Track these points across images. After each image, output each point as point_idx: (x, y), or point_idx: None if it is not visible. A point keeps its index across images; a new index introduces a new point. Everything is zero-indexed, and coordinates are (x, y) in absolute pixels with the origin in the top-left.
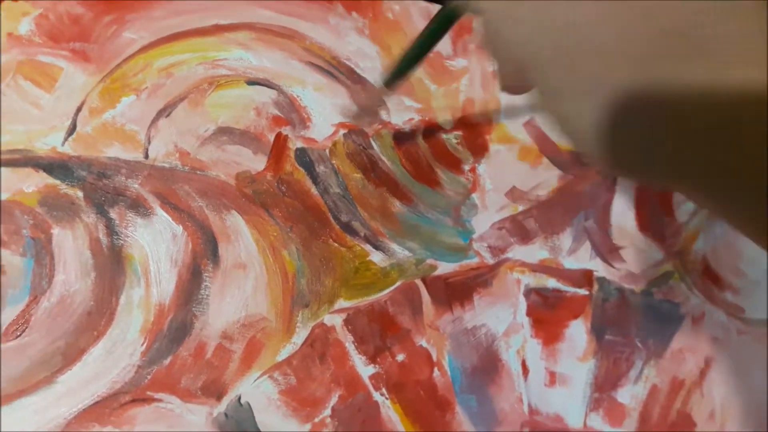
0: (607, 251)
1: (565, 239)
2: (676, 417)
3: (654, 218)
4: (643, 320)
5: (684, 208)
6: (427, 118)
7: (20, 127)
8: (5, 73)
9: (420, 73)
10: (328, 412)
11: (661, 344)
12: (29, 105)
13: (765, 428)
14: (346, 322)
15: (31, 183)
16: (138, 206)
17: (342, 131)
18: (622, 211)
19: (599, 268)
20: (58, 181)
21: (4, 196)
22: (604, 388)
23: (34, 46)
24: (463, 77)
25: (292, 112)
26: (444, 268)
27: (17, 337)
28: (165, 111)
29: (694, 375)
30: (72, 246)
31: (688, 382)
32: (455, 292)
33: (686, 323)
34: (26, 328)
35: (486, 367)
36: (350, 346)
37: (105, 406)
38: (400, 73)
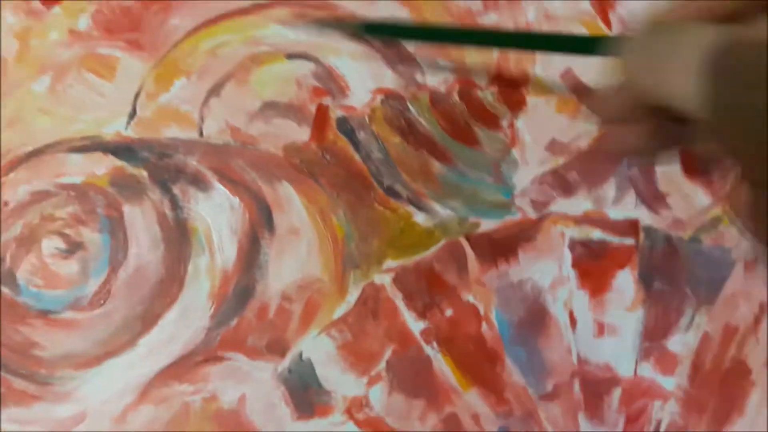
0: (653, 199)
1: (609, 189)
2: (730, 364)
3: (700, 162)
4: (692, 267)
5: None
6: (462, 77)
7: (88, 116)
8: (71, 67)
9: None
10: (383, 365)
11: (712, 291)
12: (95, 95)
13: None
14: (395, 280)
15: (101, 166)
16: (198, 181)
17: (379, 97)
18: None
19: (645, 216)
20: (124, 163)
21: (78, 180)
22: (654, 337)
23: (93, 39)
24: None
25: (330, 82)
26: (487, 225)
27: (102, 305)
28: (214, 90)
29: (749, 321)
30: (142, 221)
31: (743, 329)
32: (499, 247)
33: (738, 268)
34: (109, 296)
35: (533, 319)
36: (400, 303)
37: (181, 366)
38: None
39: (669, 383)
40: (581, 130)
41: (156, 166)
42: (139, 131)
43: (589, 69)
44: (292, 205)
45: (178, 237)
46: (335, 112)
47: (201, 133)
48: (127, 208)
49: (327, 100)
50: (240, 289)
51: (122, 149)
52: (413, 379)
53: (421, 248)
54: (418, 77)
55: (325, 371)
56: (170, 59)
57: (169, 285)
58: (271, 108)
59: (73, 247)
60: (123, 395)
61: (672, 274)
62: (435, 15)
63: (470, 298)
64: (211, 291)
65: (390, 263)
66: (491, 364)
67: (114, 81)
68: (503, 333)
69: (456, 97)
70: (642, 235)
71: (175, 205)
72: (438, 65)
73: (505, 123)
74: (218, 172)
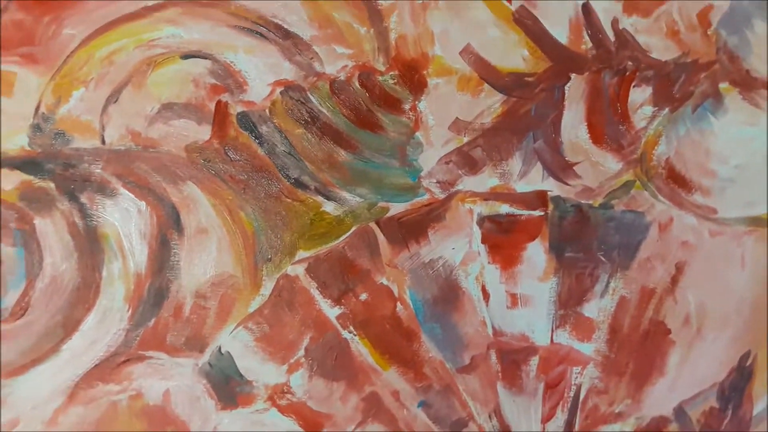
0: (560, 169)
1: (515, 164)
2: (648, 325)
3: (609, 128)
4: (605, 234)
5: (641, 112)
6: (361, 63)
7: None
8: None
9: (347, 16)
10: (302, 352)
11: (628, 255)
12: None
13: (744, 326)
14: (308, 270)
15: (8, 181)
16: (104, 189)
17: (279, 90)
18: (573, 126)
19: (553, 187)
20: (31, 177)
21: None
22: (568, 304)
23: None
24: (392, 15)
25: (228, 78)
26: (396, 208)
27: (22, 316)
28: (113, 97)
29: (666, 282)
30: (53, 232)
31: (660, 290)
32: (409, 229)
33: (653, 231)
34: (28, 307)
35: (447, 296)
36: (315, 292)
37: (104, 367)
38: None
39: (587, 348)
40: (484, 107)
41: (62, 177)
42: (42, 144)
43: (489, 44)
44: (199, 205)
45: (90, 244)
46: (235, 108)
47: (103, 141)
48: (38, 221)
49: (225, 97)
50: (154, 290)
51: (28, 163)
52: (333, 363)
53: (333, 237)
54: (317, 66)
55: (245, 362)
56: (67, 70)
57: (85, 291)
58: (169, 109)
59: None
60: (52, 399)
61: (584, 242)
62: (335, 6)
63: (384, 281)
64: (126, 294)
65: (302, 254)
66: (408, 342)
67: (13, 96)
68: (418, 311)
69: (356, 84)
70: (551, 206)
71: (84, 213)
72: (335, 53)
73: (407, 106)
74: (123, 178)
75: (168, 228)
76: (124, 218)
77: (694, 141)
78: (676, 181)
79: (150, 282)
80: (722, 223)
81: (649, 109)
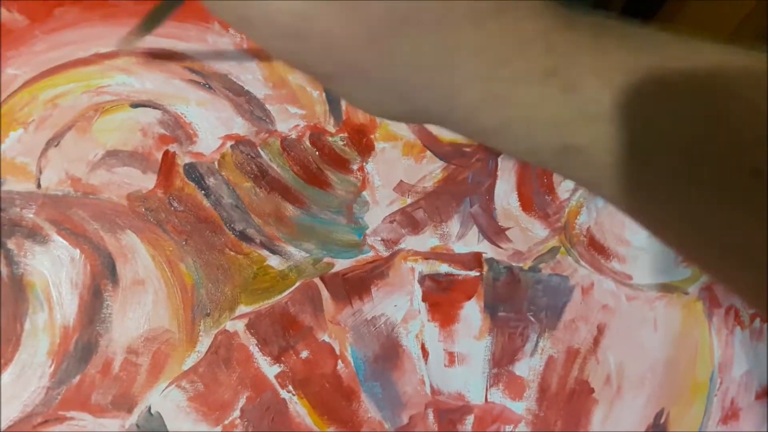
0: (494, 233)
1: (453, 226)
2: (574, 384)
3: (536, 198)
4: (533, 295)
5: (564, 185)
6: (312, 124)
7: None
8: None
9: (302, 80)
10: (237, 413)
11: (554, 316)
12: None
13: (658, 386)
14: (248, 326)
15: None
16: (35, 235)
17: (229, 143)
18: (505, 194)
19: (487, 249)
20: None
21: None
22: (501, 363)
23: None
24: None
25: (177, 129)
26: (341, 264)
27: None
28: (54, 141)
29: (588, 343)
30: None
31: (583, 350)
32: (353, 286)
33: (576, 294)
34: None
35: (388, 354)
36: (254, 349)
37: (18, 430)
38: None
39: (518, 407)
40: (426, 172)
41: None
42: None
43: None
44: (137, 255)
45: (13, 294)
46: (182, 159)
47: (39, 185)
48: None
49: (174, 147)
50: (82, 344)
51: None
52: (269, 424)
53: (276, 292)
54: (269, 124)
55: (176, 424)
56: (5, 110)
57: (3, 345)
58: (114, 156)
59: None
60: None
61: (515, 302)
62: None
63: (326, 338)
64: (50, 348)
65: (243, 309)
66: (347, 402)
67: None
68: (359, 369)
69: (307, 143)
70: (486, 267)
71: (9, 260)
72: (288, 112)
73: (355, 167)
74: (57, 224)
75: (102, 278)
76: (55, 266)
77: (611, 212)
78: (596, 249)
79: (78, 335)
80: (637, 288)
81: (570, 183)
